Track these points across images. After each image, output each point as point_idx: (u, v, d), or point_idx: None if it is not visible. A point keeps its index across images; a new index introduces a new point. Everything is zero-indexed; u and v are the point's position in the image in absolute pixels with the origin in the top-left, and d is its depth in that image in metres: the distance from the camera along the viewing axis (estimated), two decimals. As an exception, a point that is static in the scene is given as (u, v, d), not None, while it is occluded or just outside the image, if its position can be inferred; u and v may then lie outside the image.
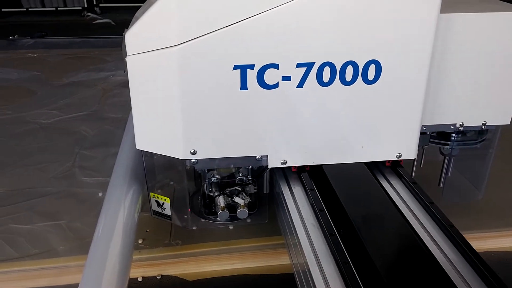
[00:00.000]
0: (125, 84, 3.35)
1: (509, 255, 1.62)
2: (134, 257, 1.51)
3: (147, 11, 1.10)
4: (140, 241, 1.62)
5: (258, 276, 1.52)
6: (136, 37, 1.13)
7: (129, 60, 1.16)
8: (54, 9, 5.70)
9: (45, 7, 5.70)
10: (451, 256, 1.11)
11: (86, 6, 5.69)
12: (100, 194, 1.92)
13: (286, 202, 1.31)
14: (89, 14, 5.60)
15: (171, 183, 1.39)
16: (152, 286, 1.49)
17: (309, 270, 1.07)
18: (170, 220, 1.41)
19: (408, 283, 0.99)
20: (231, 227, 1.64)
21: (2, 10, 5.60)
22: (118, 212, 1.21)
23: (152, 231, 1.68)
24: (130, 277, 1.41)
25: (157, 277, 1.51)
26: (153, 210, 1.42)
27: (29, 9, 5.69)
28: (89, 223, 1.76)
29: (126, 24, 1.29)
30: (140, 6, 1.43)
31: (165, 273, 1.53)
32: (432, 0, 1.16)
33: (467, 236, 1.15)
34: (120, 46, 4.29)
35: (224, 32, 1.11)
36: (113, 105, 2.93)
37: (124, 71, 1.35)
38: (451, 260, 1.09)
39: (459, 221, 1.23)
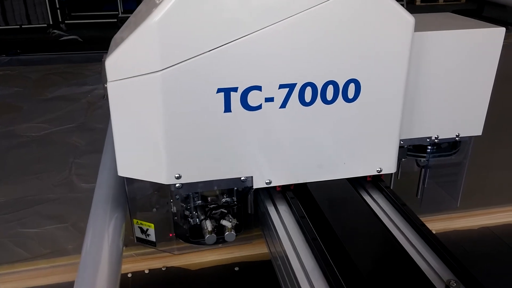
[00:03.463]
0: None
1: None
2: (140, 251, 1.68)
3: (129, 37, 1.10)
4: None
5: (255, 262, 1.67)
6: (117, 63, 1.12)
7: (110, 86, 1.15)
8: (18, 27, 5.56)
9: (8, 25, 5.55)
10: (420, 247, 1.19)
11: (51, 23, 5.57)
12: None
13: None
14: (55, 31, 5.48)
15: (154, 209, 1.37)
16: (158, 277, 1.62)
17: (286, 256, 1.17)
18: (155, 246, 1.38)
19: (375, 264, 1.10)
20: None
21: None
22: (102, 243, 1.17)
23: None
24: (137, 270, 1.62)
25: (162, 269, 1.65)
26: (136, 237, 1.39)
27: (-9, 27, 5.54)
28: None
29: (92, 40, 1.30)
30: (105, 22, 1.42)
31: (169, 265, 1.67)
32: (407, 20, 1.20)
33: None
34: (95, 61, 4.26)
35: (207, 56, 1.11)
36: (100, 116, 2.97)
37: (104, 97, 1.33)
38: (419, 251, 1.17)
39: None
